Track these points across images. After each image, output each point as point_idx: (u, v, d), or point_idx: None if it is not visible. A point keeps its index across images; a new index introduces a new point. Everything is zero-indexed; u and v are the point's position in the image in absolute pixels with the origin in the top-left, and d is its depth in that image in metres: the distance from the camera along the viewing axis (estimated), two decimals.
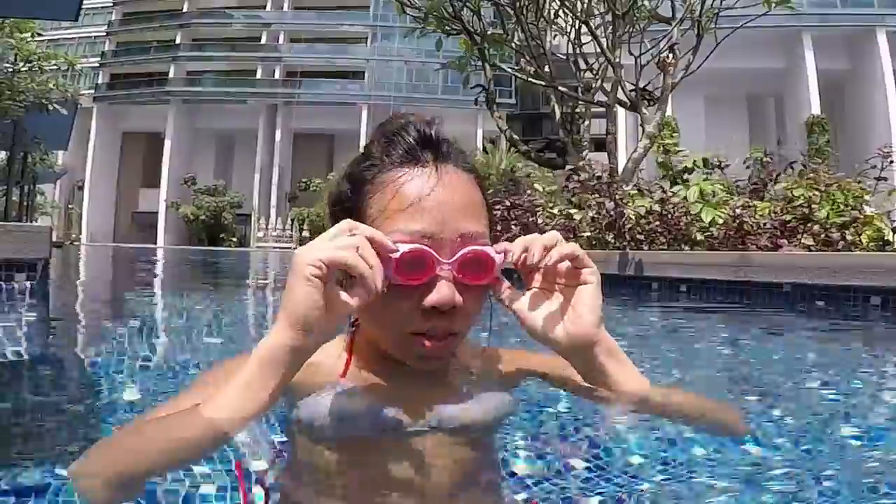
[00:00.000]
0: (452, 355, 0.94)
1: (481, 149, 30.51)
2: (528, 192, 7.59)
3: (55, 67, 15.53)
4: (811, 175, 5.59)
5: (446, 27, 9.96)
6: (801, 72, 32.93)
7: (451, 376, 0.94)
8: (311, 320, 0.74)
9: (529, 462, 0.82)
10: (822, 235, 4.93)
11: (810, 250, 4.78)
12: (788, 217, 5.23)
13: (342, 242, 0.75)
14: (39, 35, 15.87)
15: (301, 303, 0.73)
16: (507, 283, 0.87)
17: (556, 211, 6.89)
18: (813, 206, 5.19)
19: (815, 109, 31.40)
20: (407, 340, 0.84)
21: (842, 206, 5.17)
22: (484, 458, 0.89)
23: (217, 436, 0.73)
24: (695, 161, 6.78)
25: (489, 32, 10.35)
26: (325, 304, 0.74)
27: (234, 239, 44.31)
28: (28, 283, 3.40)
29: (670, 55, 8.93)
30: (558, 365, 1.03)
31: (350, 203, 0.86)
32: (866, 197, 5.43)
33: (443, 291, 0.80)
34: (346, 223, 0.77)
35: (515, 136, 11.00)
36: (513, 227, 7.25)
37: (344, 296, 0.76)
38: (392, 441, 0.81)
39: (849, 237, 4.89)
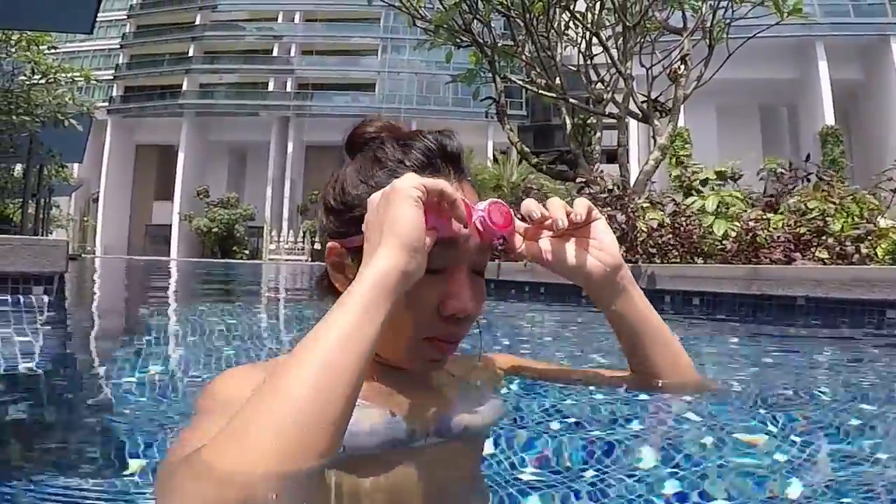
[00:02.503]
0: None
1: (492, 160, 30.62)
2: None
3: (70, 81, 15.70)
4: (825, 188, 5.55)
5: (456, 39, 10.01)
6: (814, 82, 32.77)
7: (444, 384, 0.96)
8: (419, 240, 0.75)
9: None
10: (837, 248, 4.89)
11: (825, 264, 4.75)
12: (802, 230, 5.19)
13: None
14: (55, 49, 16.06)
15: (411, 224, 0.74)
16: (519, 238, 0.97)
17: None
18: (827, 218, 5.15)
19: (829, 120, 31.22)
20: (420, 346, 0.86)
21: (857, 219, 5.13)
22: (479, 458, 0.90)
23: (357, 364, 0.68)
24: (716, 172, 6.72)
25: (499, 44, 10.38)
26: None
27: (247, 251, 44.54)
28: (45, 297, 3.44)
29: (682, 66, 8.92)
30: (541, 363, 1.20)
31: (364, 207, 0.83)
32: (883, 209, 5.38)
33: (463, 300, 0.84)
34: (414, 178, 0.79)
35: (526, 149, 11.00)
36: None
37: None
38: (402, 453, 0.80)
39: (864, 250, 4.84)
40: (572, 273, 0.97)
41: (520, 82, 11.08)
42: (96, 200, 47.39)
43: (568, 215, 0.93)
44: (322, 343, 0.68)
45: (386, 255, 0.74)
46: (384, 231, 0.75)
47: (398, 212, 0.74)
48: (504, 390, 1.11)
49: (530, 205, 0.94)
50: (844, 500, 0.75)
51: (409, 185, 0.75)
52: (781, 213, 5.52)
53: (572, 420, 1.01)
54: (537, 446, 0.90)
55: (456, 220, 0.80)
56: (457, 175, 0.89)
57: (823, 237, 5.07)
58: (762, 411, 1.15)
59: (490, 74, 10.26)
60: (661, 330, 1.03)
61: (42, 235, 18.77)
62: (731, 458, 0.87)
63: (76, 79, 15.95)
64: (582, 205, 0.95)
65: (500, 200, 0.89)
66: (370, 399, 0.81)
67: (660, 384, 1.03)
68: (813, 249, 5.01)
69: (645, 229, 5.72)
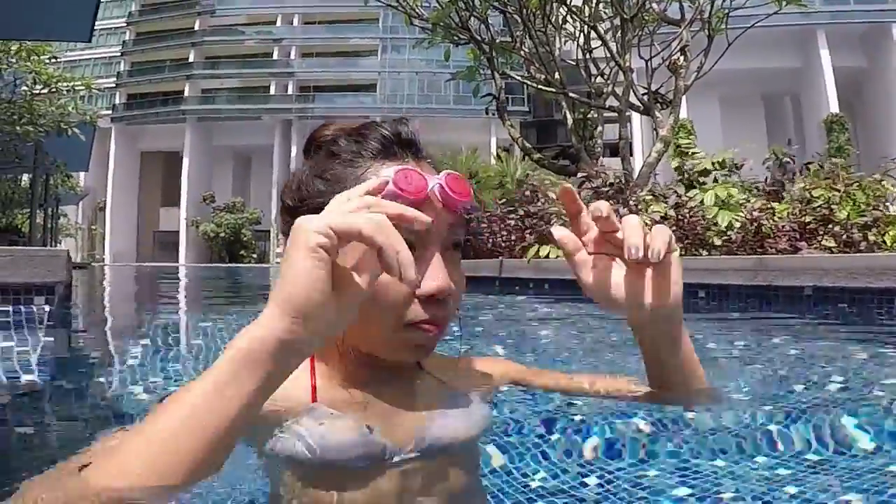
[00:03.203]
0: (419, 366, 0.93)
1: (496, 157, 30.55)
2: (542, 200, 7.54)
3: (71, 89, 15.73)
4: (828, 175, 5.51)
5: (454, 37, 9.99)
6: (817, 70, 32.61)
7: (428, 391, 0.90)
8: (312, 305, 0.60)
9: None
10: (844, 237, 4.84)
11: (832, 252, 4.70)
12: (808, 218, 5.15)
13: (352, 207, 0.64)
14: (56, 59, 16.10)
15: (302, 281, 0.60)
16: (577, 247, 0.85)
17: None
18: (833, 206, 5.10)
19: (833, 108, 31.06)
20: (405, 332, 0.80)
21: (863, 206, 5.08)
22: (470, 472, 0.84)
23: (170, 463, 0.57)
24: (713, 163, 6.65)
25: (497, 41, 10.35)
26: (333, 284, 0.61)
27: (254, 255, 44.63)
28: (47, 307, 3.43)
29: (681, 57, 8.88)
30: (540, 372, 1.11)
31: (323, 199, 0.74)
32: (891, 191, 5.33)
33: (440, 278, 0.78)
34: (363, 197, 0.66)
35: (528, 144, 10.99)
36: (527, 235, 7.22)
37: (356, 276, 0.64)
38: (377, 468, 0.75)
39: (871, 238, 4.80)
40: (623, 308, 0.85)
41: (519, 78, 11.04)
42: (103, 209, 47.58)
43: (646, 249, 0.78)
44: (166, 417, 0.60)
45: (266, 317, 0.61)
46: (277, 286, 0.62)
47: (291, 263, 0.61)
48: (496, 395, 1.07)
49: (602, 206, 0.81)
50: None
51: (311, 230, 0.60)
52: (786, 202, 5.48)
53: (569, 425, 0.98)
54: (532, 455, 0.88)
55: (385, 270, 0.63)
56: (415, 157, 0.86)
57: (829, 225, 5.02)
58: (775, 416, 1.12)
59: (489, 71, 10.24)
60: (692, 366, 0.94)
61: (51, 245, 18.85)
62: (742, 462, 0.85)
63: (77, 88, 15.98)
64: (661, 238, 0.79)
65: (455, 172, 0.84)
66: (344, 409, 0.78)
67: (668, 397, 0.96)
68: (819, 238, 4.96)
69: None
